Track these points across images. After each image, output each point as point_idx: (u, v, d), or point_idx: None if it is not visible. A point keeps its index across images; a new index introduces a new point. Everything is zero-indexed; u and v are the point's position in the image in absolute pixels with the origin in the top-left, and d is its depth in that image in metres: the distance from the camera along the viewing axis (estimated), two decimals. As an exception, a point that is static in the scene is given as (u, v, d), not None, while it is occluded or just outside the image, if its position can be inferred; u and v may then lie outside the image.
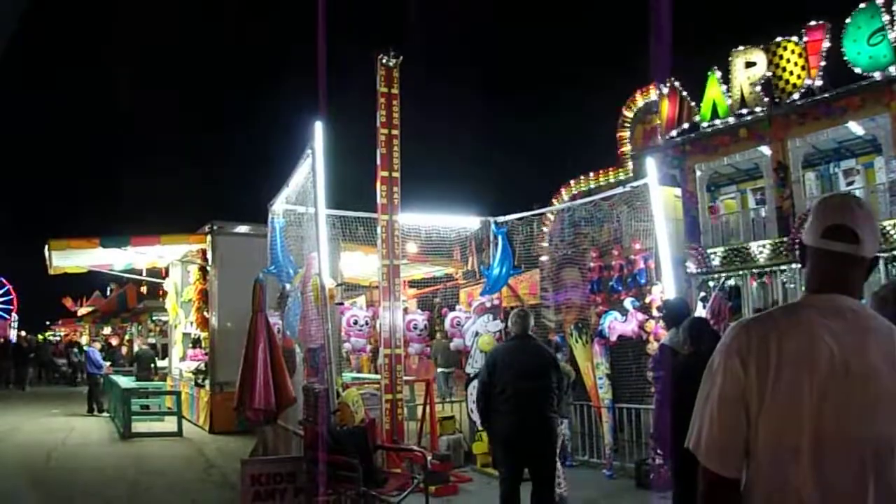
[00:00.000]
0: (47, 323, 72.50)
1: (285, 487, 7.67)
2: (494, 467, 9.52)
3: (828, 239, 2.31)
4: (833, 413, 2.12)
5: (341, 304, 11.93)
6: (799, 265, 20.87)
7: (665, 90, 26.37)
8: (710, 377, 2.33)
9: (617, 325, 11.40)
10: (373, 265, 11.65)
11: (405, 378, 10.42)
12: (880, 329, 2.23)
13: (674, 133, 25.91)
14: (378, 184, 9.96)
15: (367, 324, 11.36)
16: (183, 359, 22.87)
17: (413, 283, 18.65)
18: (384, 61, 10.62)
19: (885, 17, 20.23)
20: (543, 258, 15.11)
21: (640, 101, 28.01)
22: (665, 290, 10.66)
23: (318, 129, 9.08)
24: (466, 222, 13.74)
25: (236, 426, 15.69)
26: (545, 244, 15.83)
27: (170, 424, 18.33)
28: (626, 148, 27.89)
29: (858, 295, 2.33)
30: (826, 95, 22.47)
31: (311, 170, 9.13)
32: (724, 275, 23.31)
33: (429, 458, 8.15)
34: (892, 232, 19.78)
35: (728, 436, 2.23)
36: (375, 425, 8.35)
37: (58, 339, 59.14)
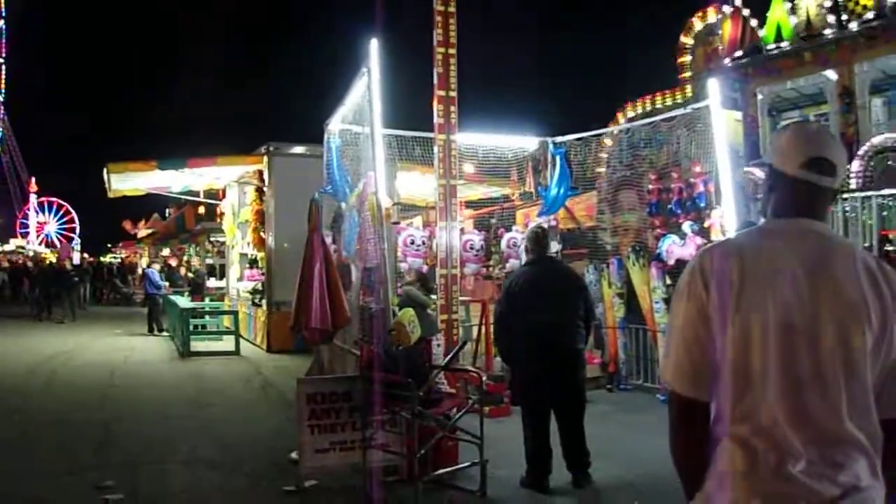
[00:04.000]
0: (108, 245, 74.11)
1: (341, 406, 7.73)
2: (513, 404, 9.30)
3: (809, 171, 2.29)
4: (799, 328, 2.12)
5: (397, 223, 11.91)
6: (860, 194, 20.54)
7: (727, 11, 25.69)
8: (675, 302, 2.35)
9: (675, 248, 11.26)
10: (429, 185, 11.59)
11: (461, 298, 10.42)
12: (844, 251, 2.23)
13: (736, 55, 25.29)
14: (435, 103, 9.85)
15: (423, 243, 11.36)
16: (240, 279, 23.19)
17: (470, 204, 18.58)
18: (441, -21, 10.42)
19: None
20: (601, 180, 14.96)
21: (698, 24, 27.32)
22: (725, 214, 10.49)
23: (374, 46, 8.96)
24: (524, 142, 13.59)
25: (293, 345, 15.91)
26: (602, 168, 15.66)
27: (228, 344, 18.67)
28: (687, 69, 27.31)
29: (825, 220, 2.34)
30: (896, 18, 21.70)
31: (367, 89, 9.04)
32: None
33: (483, 378, 8.17)
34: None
35: (694, 357, 2.23)
36: (430, 345, 8.36)
37: (118, 260, 60.41)
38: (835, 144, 2.36)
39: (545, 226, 8.69)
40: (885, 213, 21.67)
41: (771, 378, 2.11)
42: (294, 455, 7.90)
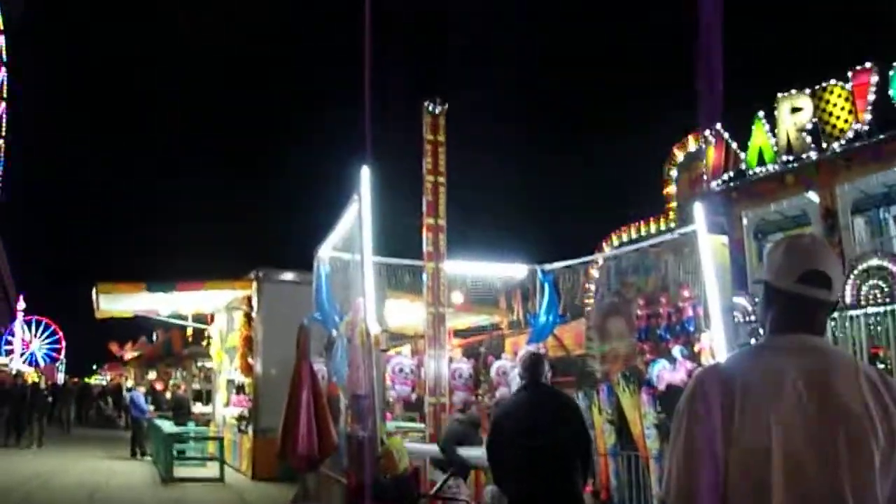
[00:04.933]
0: (94, 367, 73.37)
1: (329, 537, 7.59)
2: None
3: (805, 284, 2.29)
4: (802, 451, 2.07)
5: (386, 350, 11.89)
6: (847, 312, 20.66)
7: (711, 137, 26.26)
8: (675, 423, 2.30)
9: (665, 373, 11.22)
10: (418, 314, 11.62)
11: (450, 427, 10.30)
12: (846, 365, 2.21)
13: (720, 180, 25.76)
14: (424, 231, 9.96)
15: (412, 371, 11.31)
16: (227, 405, 22.93)
17: (458, 332, 18.59)
18: (430, 109, 10.67)
19: None
20: (588, 307, 15.02)
21: (684, 149, 27.84)
22: (714, 338, 10.50)
23: (365, 174, 9.09)
24: (513, 270, 13.65)
25: (279, 473, 15.66)
26: (591, 294, 15.76)
27: (212, 470, 18.36)
28: (672, 196, 27.65)
29: (824, 334, 2.33)
30: (874, 140, 22.23)
31: (358, 216, 9.15)
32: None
33: (473, 507, 8.03)
34: (944, 281, 19.39)
35: (695, 479, 2.17)
36: (419, 474, 8.25)
37: (104, 383, 59.81)
38: (829, 256, 2.36)
39: (540, 352, 8.56)
40: (872, 330, 21.72)
41: (776, 500, 2.06)
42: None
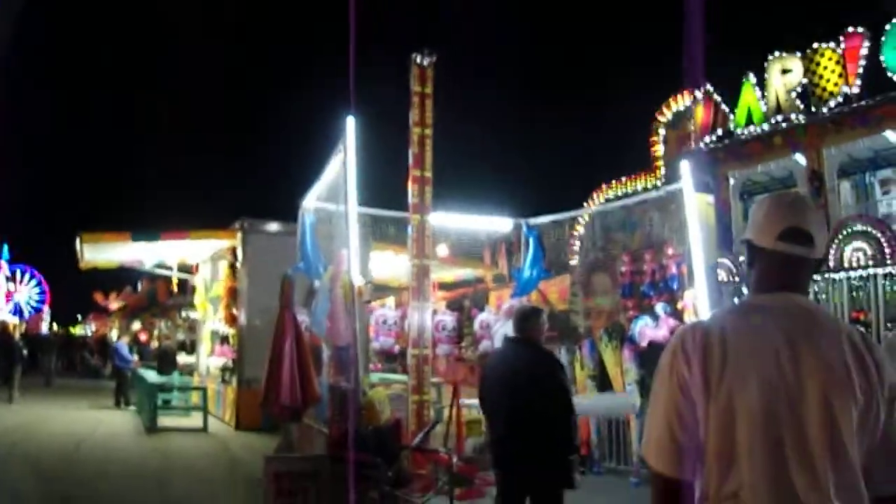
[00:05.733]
0: (78, 317, 73.11)
1: (308, 486, 7.61)
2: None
3: (785, 242, 2.28)
4: (783, 406, 2.09)
5: (369, 302, 11.88)
6: (830, 275, 20.79)
7: (700, 96, 26.22)
8: (657, 380, 2.30)
9: (648, 330, 11.27)
10: (403, 266, 11.61)
11: (432, 379, 10.36)
12: (828, 325, 2.21)
13: (708, 139, 25.77)
14: (410, 183, 9.91)
15: (395, 324, 11.34)
16: (211, 355, 22.96)
17: (443, 286, 18.59)
18: (418, 60, 10.58)
19: None
20: (573, 262, 15.02)
21: (673, 107, 27.74)
22: (697, 296, 10.54)
23: (350, 124, 9.03)
24: (498, 223, 13.66)
25: (262, 423, 15.72)
26: (576, 248, 15.75)
27: (196, 420, 18.40)
28: (659, 154, 27.58)
29: (807, 293, 2.33)
30: (863, 104, 22.26)
31: (343, 166, 9.10)
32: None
33: (454, 460, 8.07)
34: (927, 244, 19.50)
35: (676, 436, 2.19)
36: (401, 426, 8.29)
37: (88, 334, 59.70)
38: (811, 213, 2.34)
39: (533, 305, 8.51)
40: (854, 294, 21.87)
41: (755, 456, 2.08)
42: (260, 536, 7.75)
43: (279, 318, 8.79)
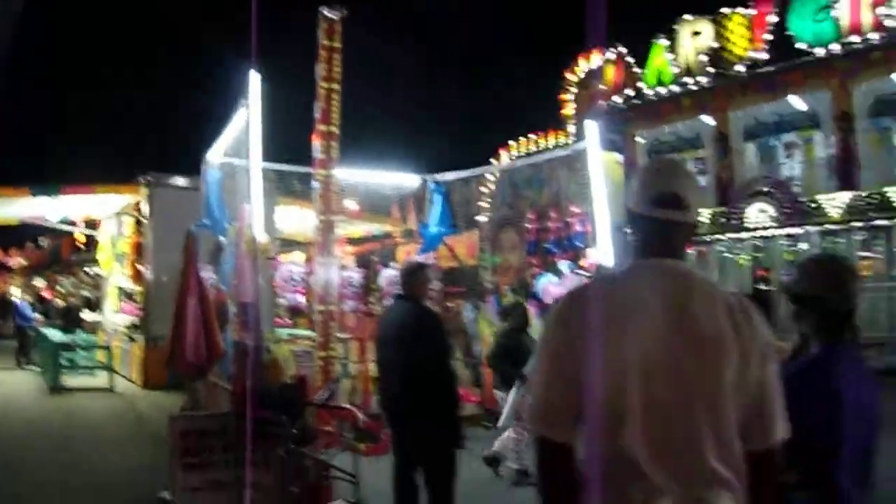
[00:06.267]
0: (-24, 276, 70.96)
1: (214, 444, 7.53)
2: None
3: (658, 207, 2.31)
4: (660, 370, 2.13)
5: (273, 258, 11.76)
6: (734, 234, 21.35)
7: (610, 56, 26.49)
8: (540, 345, 2.36)
9: (552, 287, 11.39)
10: (310, 221, 11.48)
11: (339, 335, 10.33)
12: (704, 289, 2.25)
13: (617, 98, 26.08)
14: (316, 138, 9.80)
15: (302, 279, 11.26)
16: (117, 312, 22.55)
17: (352, 241, 18.51)
18: (327, 14, 10.41)
19: None
20: (482, 219, 15.09)
21: (583, 66, 27.95)
22: (601, 254, 10.67)
23: (254, 78, 8.86)
24: (404, 179, 13.60)
25: (169, 381, 15.51)
26: (485, 205, 15.82)
27: (101, 379, 18.09)
28: (569, 112, 27.79)
29: (684, 257, 2.36)
30: (770, 69, 22.79)
31: (247, 121, 8.95)
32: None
33: (360, 416, 8.08)
34: (826, 206, 20.16)
35: (558, 399, 2.22)
36: (306, 382, 8.24)
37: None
38: (683, 178, 2.38)
39: (424, 262, 8.48)
40: (759, 255, 22.49)
41: (635, 417, 2.11)
42: (165, 494, 7.65)
43: (183, 275, 8.64)
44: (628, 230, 2.45)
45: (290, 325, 13.03)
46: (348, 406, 8.96)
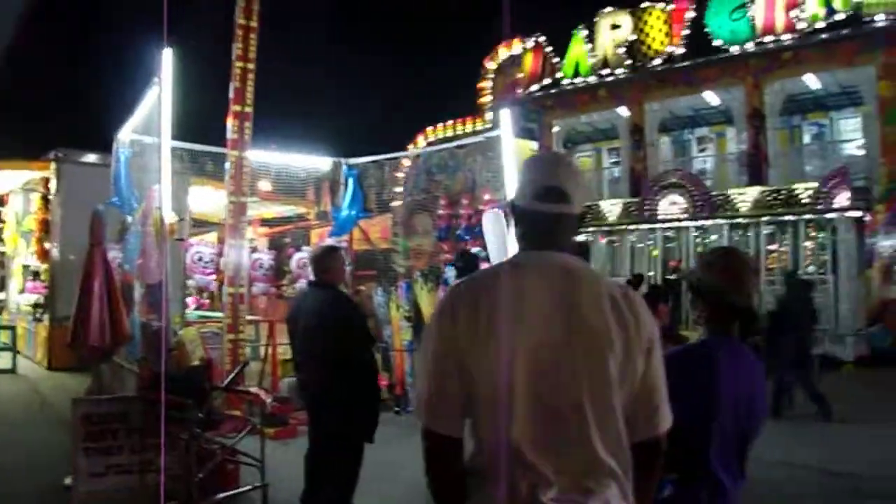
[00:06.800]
0: None
1: (118, 427, 7.39)
2: None
3: (540, 200, 2.32)
4: (546, 362, 2.15)
5: (182, 239, 11.56)
6: (646, 225, 21.73)
7: (530, 45, 26.69)
8: (425, 339, 2.35)
9: (463, 273, 11.41)
10: (223, 201, 11.33)
11: (249, 318, 10.24)
12: (589, 282, 2.27)
13: (535, 87, 26.32)
14: (230, 118, 9.68)
15: (212, 261, 11.10)
16: (21, 291, 21.95)
17: (265, 222, 18.31)
18: (245, -8, 10.27)
19: None
20: (396, 203, 15.09)
21: (503, 54, 28.08)
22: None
23: (167, 56, 8.69)
24: (318, 162, 13.55)
25: (76, 363, 15.15)
26: (399, 189, 15.82)
27: (4, 360, 17.57)
28: (487, 99, 27.91)
29: (569, 249, 2.36)
30: (686, 64, 23.24)
31: (158, 99, 8.79)
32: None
33: (268, 400, 8.03)
34: (736, 200, 20.63)
35: (444, 394, 2.23)
36: (213, 365, 8.17)
37: None
38: (566, 171, 2.39)
39: (335, 245, 8.39)
40: (669, 245, 22.91)
41: (522, 409, 2.12)
42: (68, 480, 7.50)
43: (88, 256, 8.45)
44: (514, 223, 2.46)
45: (208, 306, 12.85)
46: (255, 390, 8.90)
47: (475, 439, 2.24)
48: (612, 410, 2.18)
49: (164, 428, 6.87)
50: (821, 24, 20.57)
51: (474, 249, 11.49)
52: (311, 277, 6.28)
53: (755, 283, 3.12)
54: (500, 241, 8.78)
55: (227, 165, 9.50)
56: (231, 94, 9.74)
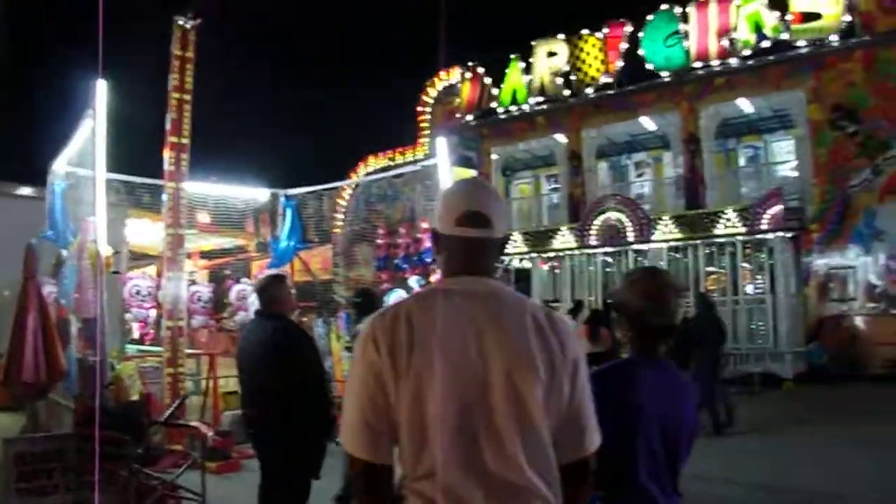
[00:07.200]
0: None
1: (54, 466, 7.24)
2: None
3: (463, 226, 2.34)
4: (471, 384, 2.16)
5: (117, 272, 11.39)
6: (586, 250, 21.92)
7: (468, 73, 26.92)
8: (351, 368, 2.36)
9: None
10: (161, 234, 11.22)
11: (188, 351, 10.13)
12: (512, 306, 2.29)
13: (472, 116, 26.55)
14: (167, 150, 9.61)
15: (149, 294, 10.94)
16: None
17: (205, 254, 18.11)
18: (181, 23, 10.23)
19: (681, 23, 21.84)
20: (336, 233, 15.08)
21: (440, 83, 28.25)
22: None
23: (101, 87, 8.62)
24: (256, 193, 13.55)
25: (10, 401, 14.79)
26: (340, 219, 15.81)
27: (-68, 399, 17.04)
28: (425, 127, 28.01)
29: (492, 274, 2.39)
30: (622, 90, 23.62)
31: (92, 130, 8.70)
32: (515, 258, 23.96)
33: (210, 433, 7.94)
34: (674, 223, 20.91)
35: (370, 421, 2.22)
36: (152, 400, 8.06)
37: None
38: (487, 196, 2.40)
39: (280, 273, 8.21)
40: (608, 270, 23.12)
41: (447, 435, 2.13)
42: (-1, 524, 7.31)
43: (22, 290, 8.31)
44: (436, 250, 2.47)
45: (153, 336, 12.62)
46: (196, 424, 8.79)
47: (402, 466, 2.23)
48: (538, 433, 2.19)
49: (98, 465, 6.74)
50: (752, 50, 21.05)
51: (413, 278, 11.51)
52: (257, 308, 6.08)
53: (678, 304, 3.15)
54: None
55: (165, 197, 9.42)
56: (168, 126, 9.68)
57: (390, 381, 2.18)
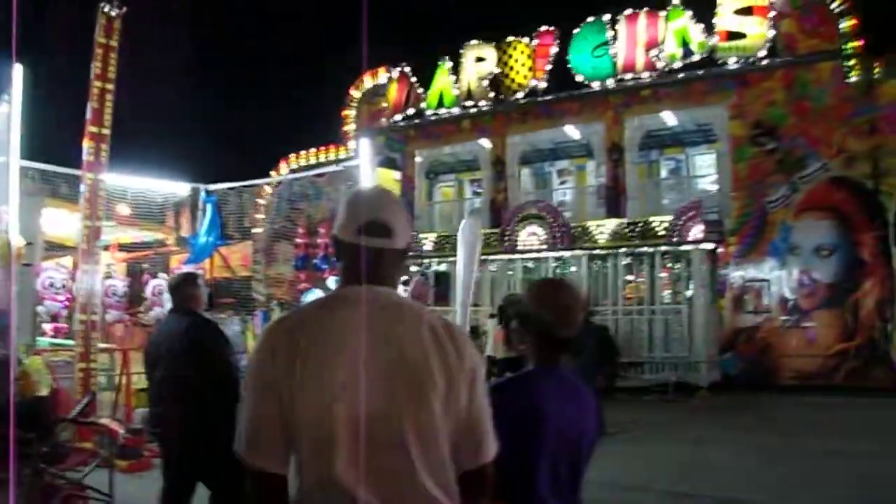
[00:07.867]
0: None
1: (-48, 466, 7.01)
2: None
3: (364, 235, 2.32)
4: (367, 397, 2.14)
5: (29, 265, 11.09)
6: (506, 256, 22.06)
7: (395, 74, 26.87)
8: (246, 377, 2.32)
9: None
10: (78, 225, 10.97)
11: (101, 346, 9.90)
12: (409, 315, 2.29)
13: (399, 117, 26.52)
14: (86, 139, 9.39)
15: (63, 286, 10.69)
16: None
17: (123, 247, 17.74)
18: (106, 10, 10.01)
19: (609, 34, 22.12)
20: (258, 230, 14.91)
21: (367, 83, 28.12)
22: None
23: (18, 72, 8.36)
24: (176, 188, 13.31)
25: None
26: (261, 216, 15.65)
27: None
28: (351, 127, 27.85)
29: (394, 284, 2.40)
30: (548, 98, 23.83)
31: (7, 116, 8.45)
32: (434, 260, 23.95)
33: (121, 431, 7.76)
34: (595, 232, 21.19)
35: (265, 430, 2.21)
36: (61, 396, 7.84)
37: None
38: (389, 205, 2.39)
39: (193, 271, 8.06)
40: (528, 276, 23.27)
41: (345, 445, 2.11)
42: None
43: (-72, 280, 8.05)
44: (336, 258, 2.45)
45: (67, 331, 12.30)
46: (107, 421, 8.58)
47: (299, 477, 2.21)
48: (436, 442, 2.18)
49: (13, 464, 6.53)
50: (678, 64, 21.44)
51: (331, 279, 11.45)
52: (170, 305, 6.00)
53: (582, 317, 3.17)
54: (471, 249, 8.79)
55: (83, 188, 9.20)
56: (88, 115, 9.45)
57: (285, 390, 2.15)
